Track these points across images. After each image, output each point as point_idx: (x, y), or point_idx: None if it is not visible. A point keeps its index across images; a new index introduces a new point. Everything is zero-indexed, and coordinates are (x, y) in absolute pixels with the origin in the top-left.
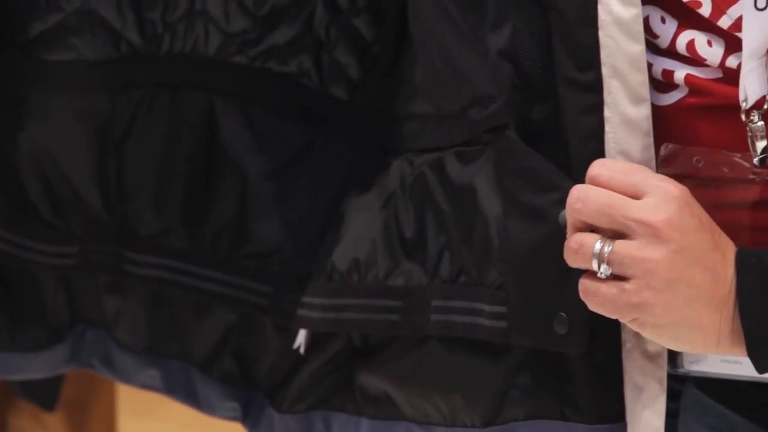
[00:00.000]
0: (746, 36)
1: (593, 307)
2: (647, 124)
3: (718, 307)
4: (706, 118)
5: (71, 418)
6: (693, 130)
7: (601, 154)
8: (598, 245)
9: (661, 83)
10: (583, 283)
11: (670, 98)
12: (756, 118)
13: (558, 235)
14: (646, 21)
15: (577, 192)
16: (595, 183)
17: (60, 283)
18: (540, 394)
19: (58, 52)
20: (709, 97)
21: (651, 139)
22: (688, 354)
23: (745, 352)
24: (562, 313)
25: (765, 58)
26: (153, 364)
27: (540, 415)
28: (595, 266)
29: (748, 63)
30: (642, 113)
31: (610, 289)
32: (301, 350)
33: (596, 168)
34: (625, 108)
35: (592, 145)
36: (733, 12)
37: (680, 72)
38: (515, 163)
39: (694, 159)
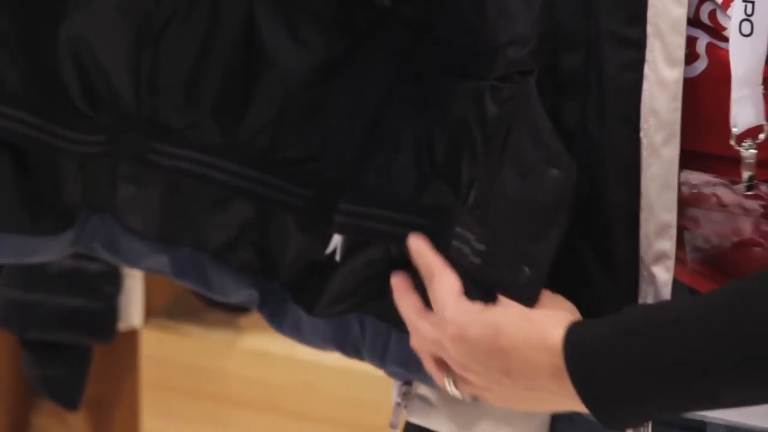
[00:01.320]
0: (733, 61)
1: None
2: (678, 87)
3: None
4: (726, 94)
5: (94, 418)
6: (716, 102)
7: (636, 109)
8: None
9: (685, 54)
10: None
11: (693, 70)
12: (747, 145)
13: (539, 196)
14: None
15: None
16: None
17: (79, 171)
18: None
19: None
20: (728, 72)
21: (679, 103)
22: None
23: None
24: (526, 268)
25: (762, 87)
26: (162, 250)
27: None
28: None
29: (737, 90)
30: (675, 75)
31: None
32: (337, 257)
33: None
34: (662, 69)
35: (629, 99)
36: (730, 13)
37: (702, 41)
38: (523, 112)
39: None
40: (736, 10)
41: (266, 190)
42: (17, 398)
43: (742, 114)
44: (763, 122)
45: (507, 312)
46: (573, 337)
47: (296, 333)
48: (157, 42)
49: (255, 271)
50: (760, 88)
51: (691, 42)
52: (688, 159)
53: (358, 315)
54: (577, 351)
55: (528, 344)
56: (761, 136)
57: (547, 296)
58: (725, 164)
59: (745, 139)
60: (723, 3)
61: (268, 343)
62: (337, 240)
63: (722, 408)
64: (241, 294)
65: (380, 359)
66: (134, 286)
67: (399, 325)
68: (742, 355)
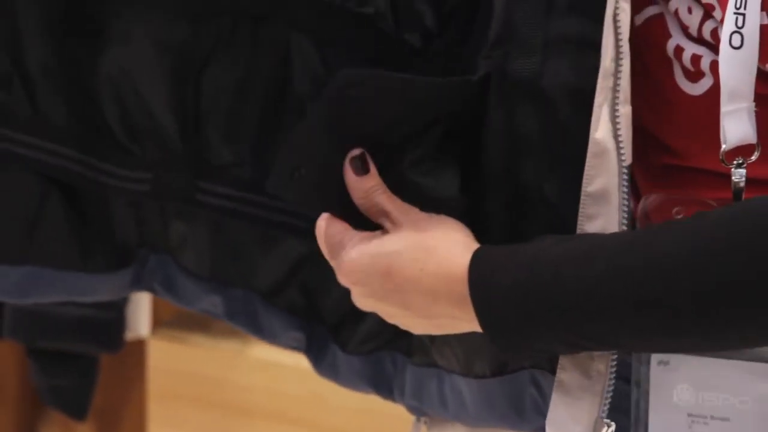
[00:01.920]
0: (723, 75)
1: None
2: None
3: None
4: None
5: (101, 427)
6: (718, 122)
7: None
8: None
9: (690, 72)
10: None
11: (700, 88)
12: (736, 164)
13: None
14: (676, 12)
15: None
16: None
17: (130, 207)
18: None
19: None
20: None
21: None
22: (654, 429)
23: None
24: (302, 169)
25: (753, 104)
26: (216, 290)
27: (540, 366)
28: None
29: (727, 104)
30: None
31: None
32: None
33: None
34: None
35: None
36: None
37: (707, 59)
38: None
39: (674, 210)
40: (728, 23)
41: (302, 222)
42: (25, 408)
43: (732, 129)
44: (753, 141)
45: (399, 243)
46: (478, 268)
47: (333, 373)
48: (199, 79)
49: (301, 313)
50: (752, 105)
51: (695, 60)
52: (693, 175)
53: (390, 353)
54: (481, 283)
55: (426, 273)
56: (754, 157)
57: (437, 218)
58: (727, 181)
59: (736, 157)
60: (721, 20)
61: (276, 352)
62: None
63: (624, 350)
64: (288, 337)
65: (401, 394)
66: (141, 296)
67: (412, 358)
68: (639, 298)
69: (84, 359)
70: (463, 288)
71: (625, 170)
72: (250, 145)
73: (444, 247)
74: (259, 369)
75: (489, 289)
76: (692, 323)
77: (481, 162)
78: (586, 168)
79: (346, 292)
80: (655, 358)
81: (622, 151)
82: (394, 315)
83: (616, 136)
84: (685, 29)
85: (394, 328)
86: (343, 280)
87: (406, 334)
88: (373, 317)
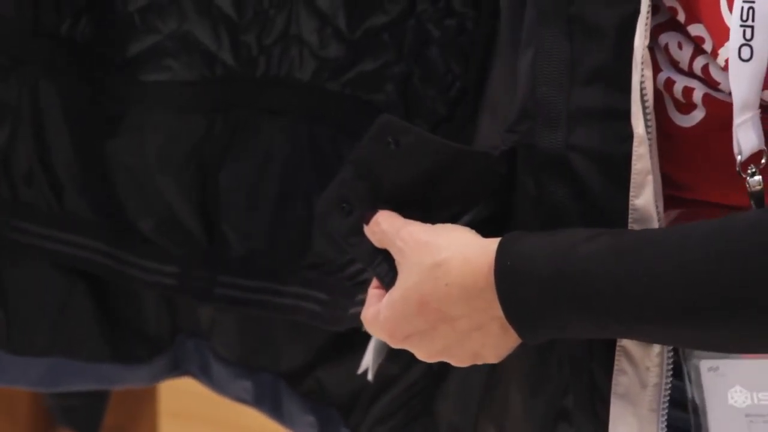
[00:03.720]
0: (734, 88)
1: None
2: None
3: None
4: (728, 140)
5: None
6: (714, 152)
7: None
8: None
9: (682, 104)
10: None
11: (691, 120)
12: (752, 171)
13: None
14: (666, 48)
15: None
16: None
17: (161, 296)
18: (581, 418)
19: (153, 72)
20: (727, 120)
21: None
22: (716, 431)
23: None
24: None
25: (758, 111)
26: (246, 375)
27: None
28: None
29: (739, 116)
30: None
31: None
32: (369, 377)
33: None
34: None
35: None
36: (723, 53)
37: (699, 92)
38: None
39: None
40: (734, 36)
41: (301, 302)
42: (36, 426)
43: (745, 139)
44: (762, 147)
45: (413, 274)
46: (503, 259)
47: None
48: (217, 175)
49: (316, 397)
50: (757, 112)
51: (687, 92)
52: (698, 208)
53: None
54: (508, 274)
55: (451, 285)
56: (764, 161)
57: (437, 229)
58: (722, 212)
59: (749, 166)
60: (712, 52)
61: None
62: (368, 359)
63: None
64: (303, 421)
65: None
66: None
67: None
68: (671, 301)
69: None
70: (491, 281)
71: None
72: (263, 236)
73: (455, 255)
74: None
75: (515, 280)
76: (722, 325)
77: (510, 227)
78: None
79: (356, 379)
80: (704, 365)
81: (660, 215)
82: (451, 342)
83: (656, 202)
84: (675, 64)
85: (405, 413)
86: (395, 343)
87: (421, 417)
88: (385, 400)
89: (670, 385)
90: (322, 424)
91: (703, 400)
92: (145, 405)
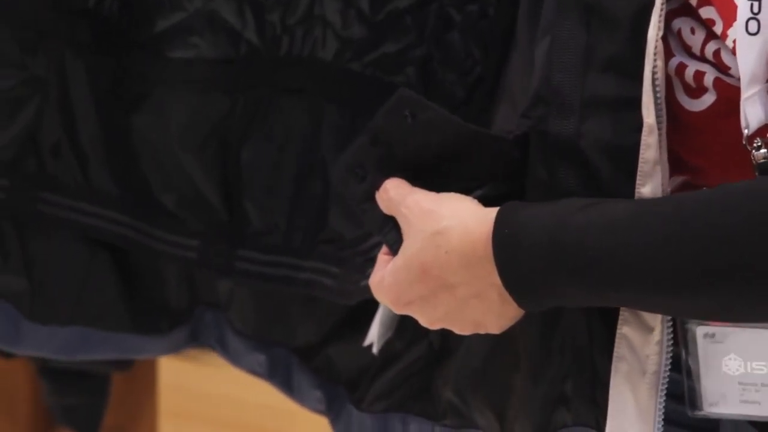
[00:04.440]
0: (741, 62)
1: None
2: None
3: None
4: (736, 123)
5: None
6: (724, 135)
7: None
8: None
9: (692, 88)
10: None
11: (701, 104)
12: (758, 145)
13: None
14: (679, 33)
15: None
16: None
17: (182, 270)
18: (579, 404)
19: (179, 49)
20: (737, 104)
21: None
22: (707, 396)
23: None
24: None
25: (766, 85)
26: (261, 349)
27: (581, 423)
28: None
29: (747, 90)
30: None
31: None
32: (374, 350)
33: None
34: None
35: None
36: (731, 33)
37: (710, 75)
38: None
39: None
40: (742, 9)
41: (316, 276)
42: (36, 426)
43: (752, 113)
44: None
45: (416, 241)
46: (502, 228)
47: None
48: (239, 152)
49: (325, 374)
50: (765, 86)
51: (698, 76)
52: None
53: (401, 414)
54: (505, 243)
55: (451, 253)
56: None
57: (440, 198)
58: None
59: (755, 139)
60: (722, 33)
61: None
62: (373, 333)
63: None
64: (312, 397)
65: None
66: None
67: (444, 420)
68: (664, 263)
69: (96, 378)
70: (489, 249)
71: None
72: (282, 212)
73: (456, 223)
74: (270, 387)
75: (512, 248)
76: (715, 292)
77: None
78: None
79: (363, 355)
80: (700, 330)
81: None
82: (452, 309)
83: (664, 190)
84: (687, 49)
85: (405, 390)
86: (400, 309)
87: (420, 396)
88: (386, 377)
89: (668, 374)
90: (330, 399)
91: (697, 365)
92: (145, 405)
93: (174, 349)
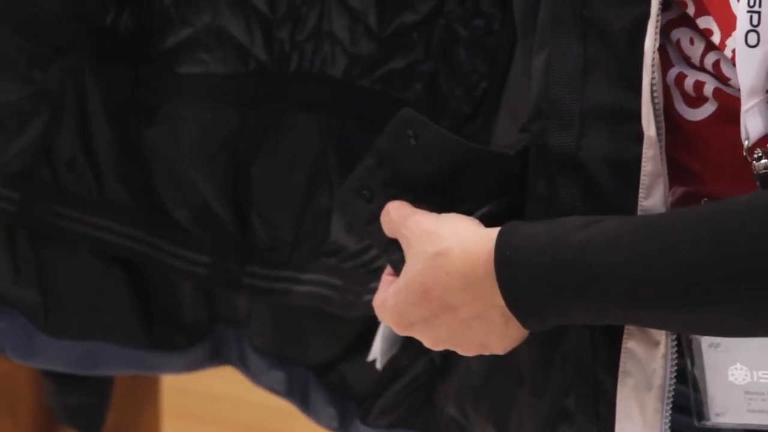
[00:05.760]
0: (741, 74)
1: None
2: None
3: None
4: (736, 132)
5: None
6: (724, 145)
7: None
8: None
9: (692, 98)
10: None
11: (701, 113)
12: (759, 156)
13: None
14: (678, 43)
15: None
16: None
17: (197, 286)
18: (582, 418)
19: (188, 65)
20: (737, 113)
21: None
22: (714, 406)
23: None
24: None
25: (766, 97)
26: (279, 366)
27: None
28: None
29: (746, 101)
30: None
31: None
32: (378, 365)
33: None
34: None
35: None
36: (730, 43)
37: (710, 86)
38: None
39: (703, 201)
40: (741, 21)
41: (318, 288)
42: (38, 426)
43: (753, 124)
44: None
45: (417, 262)
46: (502, 248)
47: None
48: (249, 166)
49: (338, 390)
50: (765, 97)
51: (698, 86)
52: (695, 202)
53: (405, 430)
54: (506, 263)
55: (453, 275)
56: None
57: (441, 219)
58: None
59: (755, 150)
60: (720, 43)
61: None
62: (376, 348)
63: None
64: (325, 414)
65: None
66: None
67: None
68: (667, 283)
69: (98, 378)
70: (490, 270)
71: None
72: (289, 227)
73: (456, 244)
74: None
75: (513, 269)
76: (716, 308)
77: None
78: None
79: (373, 364)
80: (705, 341)
81: None
82: (454, 331)
83: (666, 202)
84: (687, 59)
85: (409, 405)
86: (402, 330)
87: (423, 411)
88: (391, 392)
89: (673, 387)
90: (342, 416)
91: (703, 375)
92: (147, 405)
93: (195, 367)
